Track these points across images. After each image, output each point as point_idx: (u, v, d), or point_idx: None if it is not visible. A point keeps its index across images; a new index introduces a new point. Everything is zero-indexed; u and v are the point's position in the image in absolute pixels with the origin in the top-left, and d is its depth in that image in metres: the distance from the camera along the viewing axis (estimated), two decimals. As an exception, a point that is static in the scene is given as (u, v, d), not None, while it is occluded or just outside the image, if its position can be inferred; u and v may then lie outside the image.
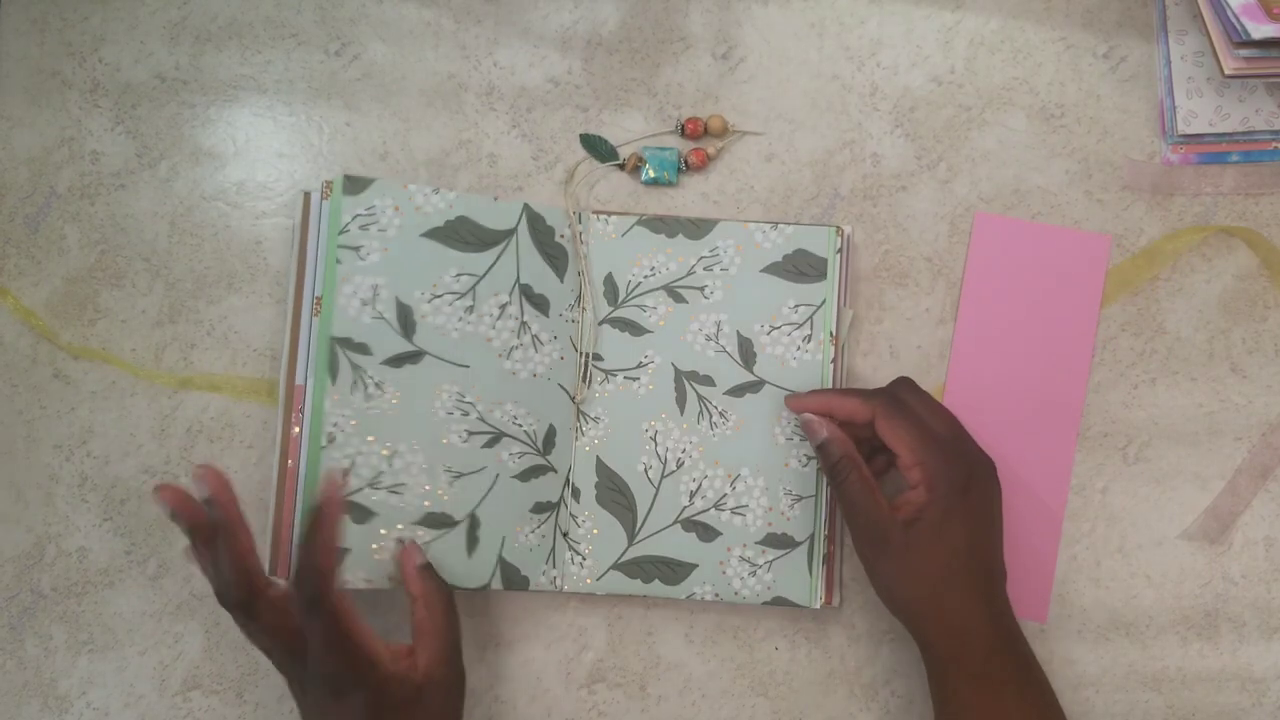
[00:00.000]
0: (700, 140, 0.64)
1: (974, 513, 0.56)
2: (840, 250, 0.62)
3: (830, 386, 0.61)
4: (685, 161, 0.63)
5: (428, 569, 0.58)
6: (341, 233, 0.59)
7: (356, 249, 0.59)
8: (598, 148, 0.63)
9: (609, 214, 0.63)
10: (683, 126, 0.63)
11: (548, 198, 0.63)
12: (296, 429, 0.60)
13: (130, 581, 0.62)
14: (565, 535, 0.62)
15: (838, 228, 0.62)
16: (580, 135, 0.64)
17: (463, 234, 0.60)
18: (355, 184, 0.59)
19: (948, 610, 0.55)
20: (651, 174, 0.63)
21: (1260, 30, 0.57)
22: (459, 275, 0.60)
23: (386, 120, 0.64)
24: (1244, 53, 0.59)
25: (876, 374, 0.63)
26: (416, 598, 0.57)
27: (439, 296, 0.60)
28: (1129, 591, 0.62)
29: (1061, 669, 0.62)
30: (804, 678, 0.62)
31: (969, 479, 0.56)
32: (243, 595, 0.51)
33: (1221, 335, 0.63)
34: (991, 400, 0.63)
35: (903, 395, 0.58)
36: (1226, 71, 0.59)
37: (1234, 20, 0.58)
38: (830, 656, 0.62)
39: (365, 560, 0.59)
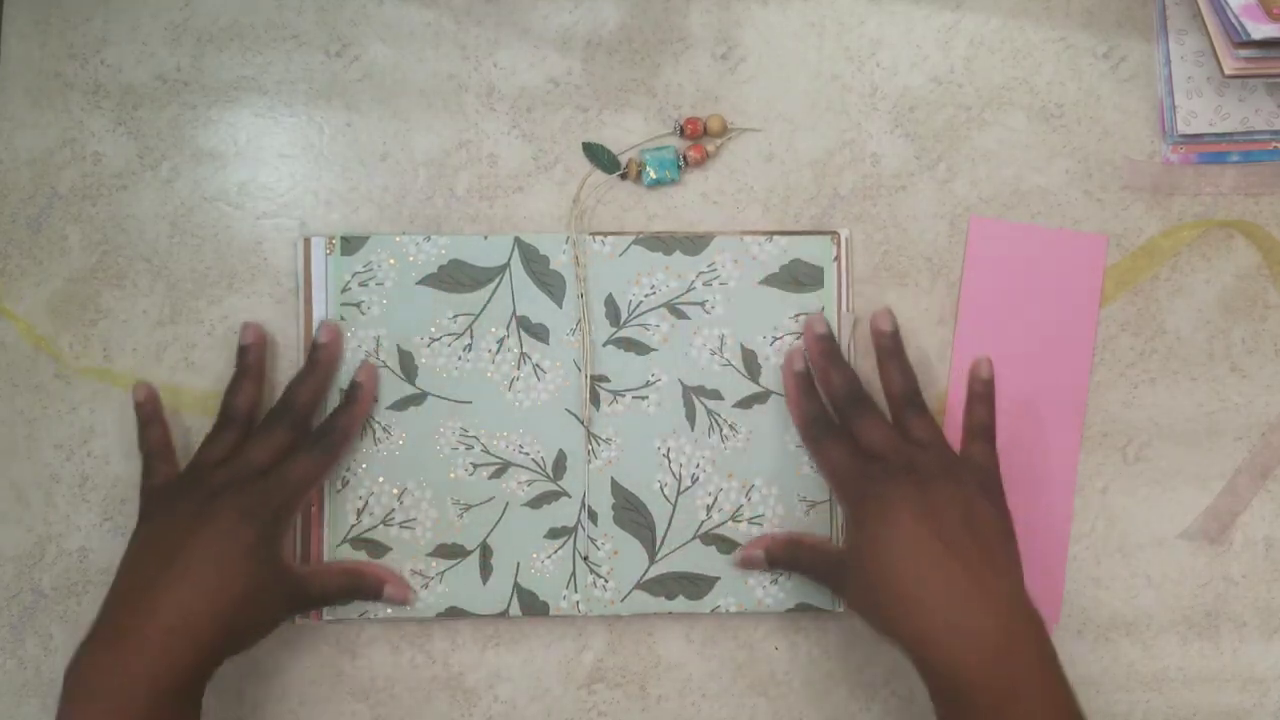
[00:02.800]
0: (699, 140, 0.64)
1: (926, 504, 0.54)
2: (837, 257, 0.63)
3: None
4: (684, 158, 0.63)
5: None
6: (344, 291, 0.62)
7: (358, 305, 0.62)
8: (600, 158, 0.63)
9: (605, 234, 0.63)
10: (682, 127, 0.63)
11: (548, 199, 0.64)
12: None
13: (131, 581, 0.62)
14: (585, 559, 0.62)
15: (833, 235, 0.63)
16: (583, 144, 0.63)
17: (456, 276, 0.62)
18: (351, 244, 0.62)
19: (936, 605, 0.52)
20: (653, 175, 0.63)
21: (1260, 30, 0.57)
22: (455, 316, 0.62)
23: (387, 121, 0.64)
24: (1244, 53, 0.59)
25: (877, 373, 0.63)
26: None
27: (437, 340, 0.62)
28: (1129, 591, 0.62)
29: (1062, 669, 0.62)
30: (804, 678, 0.62)
31: (892, 477, 0.55)
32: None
33: (1221, 335, 0.63)
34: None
35: (818, 433, 0.59)
36: (1226, 71, 0.59)
37: (1234, 20, 0.58)
38: (830, 656, 0.62)
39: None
